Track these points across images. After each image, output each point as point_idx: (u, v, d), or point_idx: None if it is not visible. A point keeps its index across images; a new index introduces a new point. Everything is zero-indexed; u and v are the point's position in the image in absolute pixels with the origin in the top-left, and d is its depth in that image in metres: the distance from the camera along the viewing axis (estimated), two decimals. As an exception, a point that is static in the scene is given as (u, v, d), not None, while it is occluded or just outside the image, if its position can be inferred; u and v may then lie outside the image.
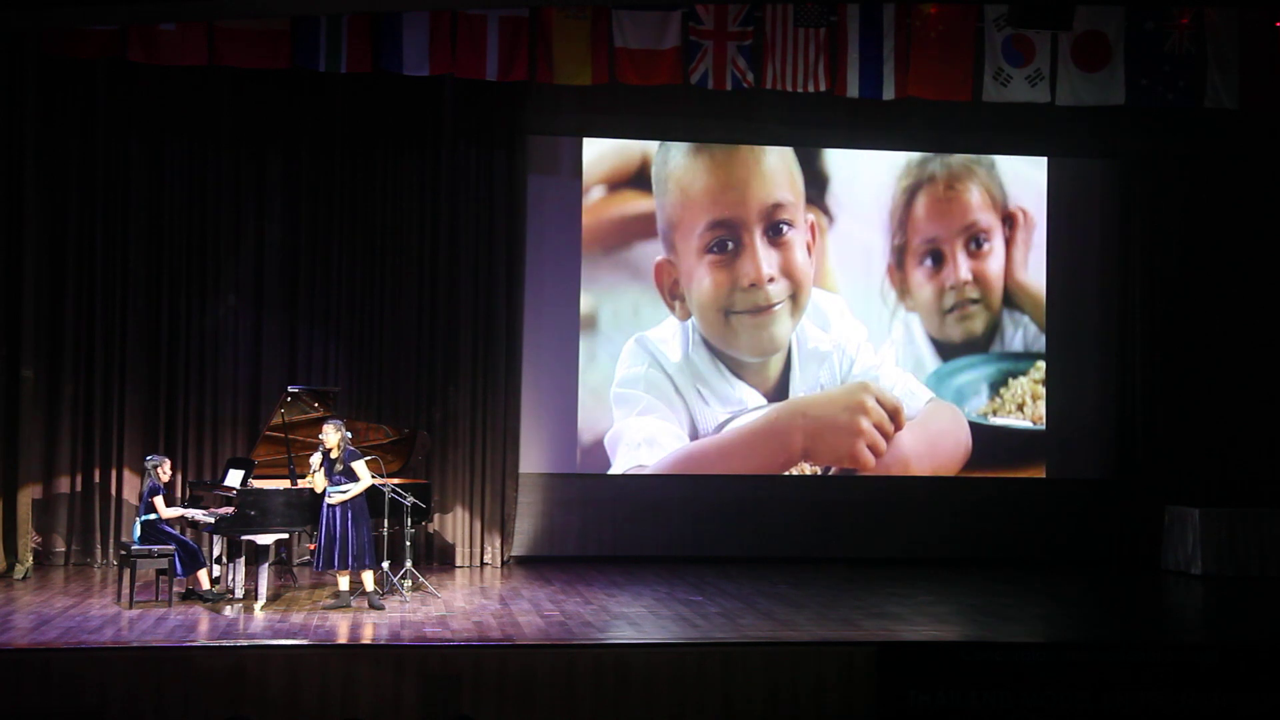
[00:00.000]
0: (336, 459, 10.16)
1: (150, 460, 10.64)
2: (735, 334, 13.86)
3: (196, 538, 11.26)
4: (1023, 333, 14.35)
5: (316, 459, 10.13)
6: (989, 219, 14.29)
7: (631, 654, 9.03)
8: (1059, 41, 12.61)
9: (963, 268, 14.23)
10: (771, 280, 13.88)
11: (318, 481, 10.15)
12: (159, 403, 12.71)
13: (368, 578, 10.33)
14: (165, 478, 10.60)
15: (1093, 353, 14.38)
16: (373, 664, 8.73)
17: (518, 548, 13.38)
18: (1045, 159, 14.40)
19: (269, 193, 12.95)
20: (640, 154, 13.82)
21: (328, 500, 10.12)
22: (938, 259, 14.20)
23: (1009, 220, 14.33)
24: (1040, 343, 14.35)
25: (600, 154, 13.80)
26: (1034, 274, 14.35)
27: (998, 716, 9.05)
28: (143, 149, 12.73)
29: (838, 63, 12.48)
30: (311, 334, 12.97)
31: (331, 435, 10.15)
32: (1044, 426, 14.28)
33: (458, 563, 13.03)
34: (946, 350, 14.21)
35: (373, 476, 10.30)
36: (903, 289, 14.16)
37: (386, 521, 10.75)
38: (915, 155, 14.16)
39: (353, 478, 10.16)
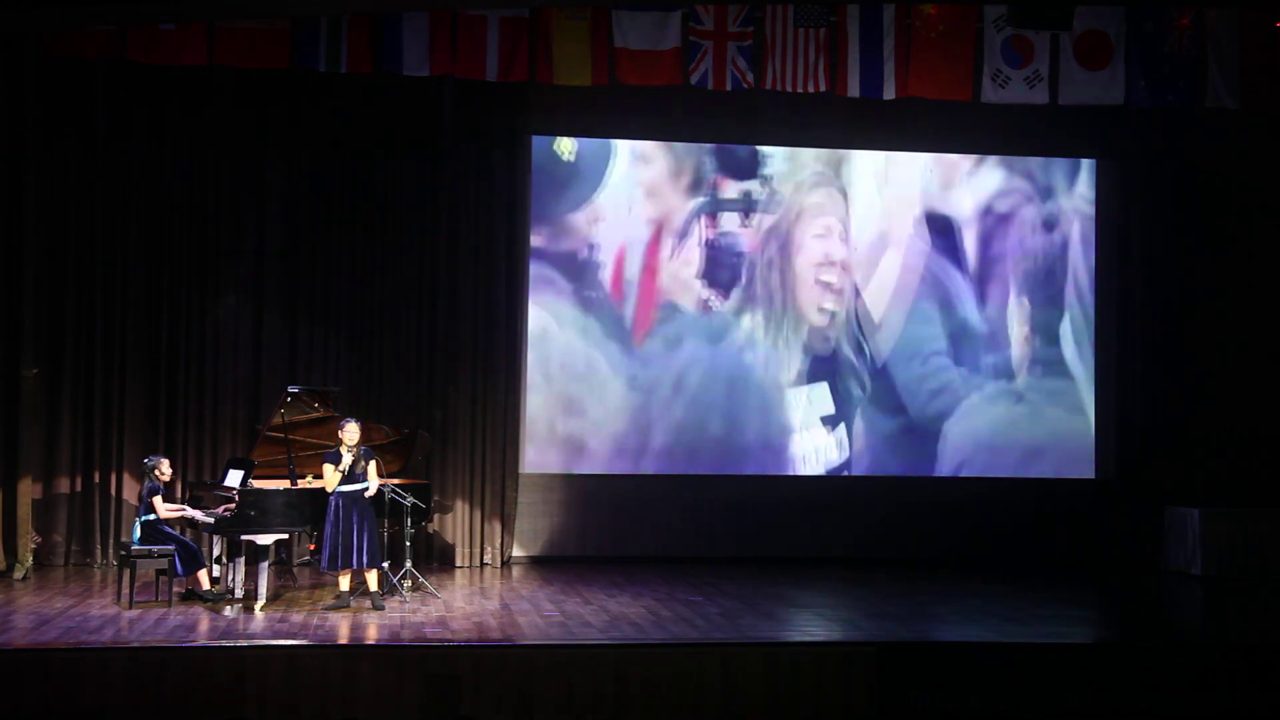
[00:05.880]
0: (357, 458, 10.19)
1: (148, 461, 10.64)
2: (735, 334, 13.92)
3: (196, 538, 11.26)
4: (1023, 333, 14.42)
5: (347, 460, 10.15)
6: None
7: (631, 654, 9.03)
8: (1059, 42, 12.62)
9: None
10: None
11: (331, 480, 10.15)
12: (159, 403, 12.71)
13: (372, 577, 10.34)
14: (165, 477, 10.59)
15: (1093, 353, 14.38)
16: (373, 664, 8.73)
17: (518, 548, 13.38)
18: (1045, 159, 14.41)
19: (269, 193, 12.95)
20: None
21: (339, 498, 10.12)
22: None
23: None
24: (1040, 343, 14.43)
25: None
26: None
27: (998, 716, 9.04)
28: (142, 149, 12.72)
29: (838, 63, 12.47)
30: (311, 334, 12.97)
31: (355, 433, 10.23)
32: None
33: (458, 563, 13.02)
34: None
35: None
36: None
37: (386, 521, 10.81)
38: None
39: (365, 477, 10.23)
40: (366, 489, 10.22)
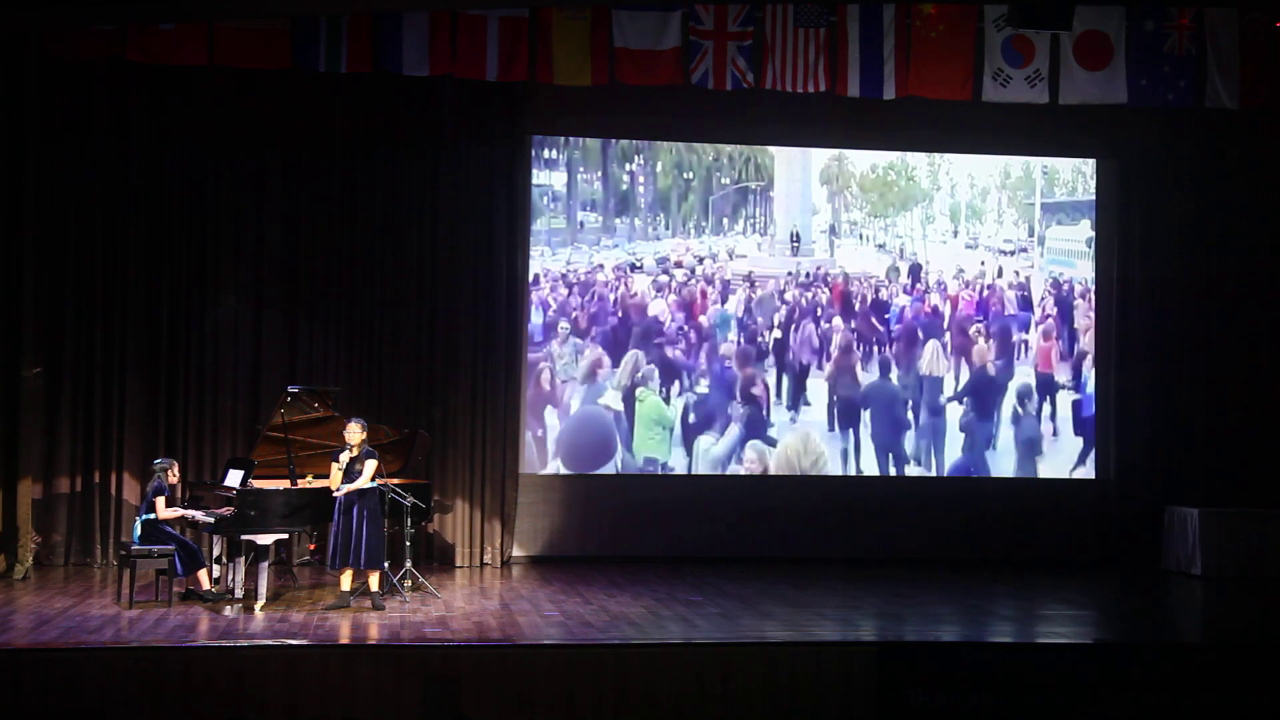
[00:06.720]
0: (356, 457, 10.19)
1: (160, 462, 10.65)
2: (735, 334, 13.91)
3: (196, 538, 11.26)
4: (1023, 333, 14.42)
5: (344, 457, 10.16)
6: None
7: (631, 654, 9.04)
8: (1060, 41, 12.62)
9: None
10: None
11: (334, 478, 10.16)
12: (159, 403, 12.70)
13: (374, 578, 10.34)
14: (173, 480, 10.61)
15: (1093, 352, 14.38)
16: (373, 664, 8.74)
17: (517, 548, 13.38)
18: (1045, 159, 14.42)
19: (269, 192, 12.95)
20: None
21: (338, 496, 10.14)
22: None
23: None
24: (1040, 343, 14.41)
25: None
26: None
27: (998, 716, 9.04)
28: (142, 149, 12.72)
29: (838, 63, 12.48)
30: (311, 334, 12.97)
31: (357, 433, 10.22)
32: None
33: (458, 563, 13.01)
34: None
35: (374, 478, 10.33)
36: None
37: (386, 521, 10.77)
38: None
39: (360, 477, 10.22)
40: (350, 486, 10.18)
